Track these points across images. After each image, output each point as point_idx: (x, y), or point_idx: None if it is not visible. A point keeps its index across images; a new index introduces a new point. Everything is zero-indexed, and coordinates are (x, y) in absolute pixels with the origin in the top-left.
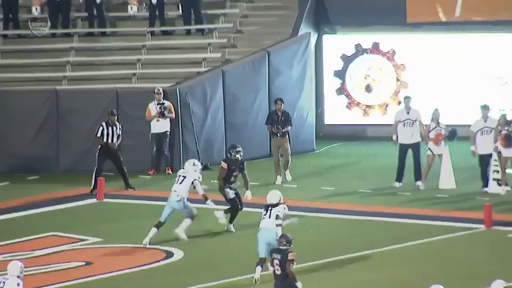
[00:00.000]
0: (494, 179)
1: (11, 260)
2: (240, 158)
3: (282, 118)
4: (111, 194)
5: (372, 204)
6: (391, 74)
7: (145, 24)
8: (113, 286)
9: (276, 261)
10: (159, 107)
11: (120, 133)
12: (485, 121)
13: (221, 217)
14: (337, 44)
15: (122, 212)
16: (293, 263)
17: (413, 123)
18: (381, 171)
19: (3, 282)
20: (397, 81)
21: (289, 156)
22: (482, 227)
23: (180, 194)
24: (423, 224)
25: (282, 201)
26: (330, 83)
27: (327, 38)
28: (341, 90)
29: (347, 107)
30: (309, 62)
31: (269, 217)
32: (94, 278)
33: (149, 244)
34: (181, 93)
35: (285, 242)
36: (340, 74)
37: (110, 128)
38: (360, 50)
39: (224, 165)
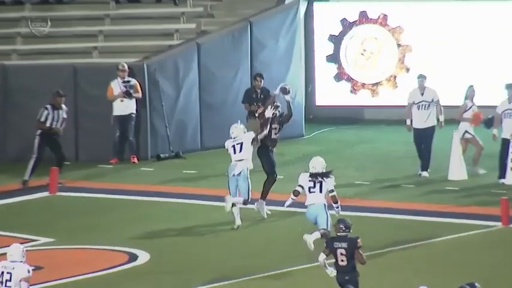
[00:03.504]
0: None
1: None
2: (277, 114)
3: (262, 96)
4: (66, 187)
5: (370, 198)
6: (389, 41)
7: None
8: None
9: (341, 251)
10: (124, 86)
11: (65, 116)
12: (510, 102)
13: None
14: (330, 12)
15: (78, 208)
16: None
17: (429, 105)
18: (380, 160)
19: (9, 273)
20: (399, 47)
21: None
22: (498, 224)
23: (247, 160)
24: (430, 222)
25: (325, 169)
26: (325, 67)
27: (318, 6)
28: (340, 76)
29: (352, 91)
30: (297, 34)
31: (320, 191)
32: (45, 285)
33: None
34: (149, 69)
35: (344, 228)
36: (334, 58)
37: (55, 112)
38: (347, 25)
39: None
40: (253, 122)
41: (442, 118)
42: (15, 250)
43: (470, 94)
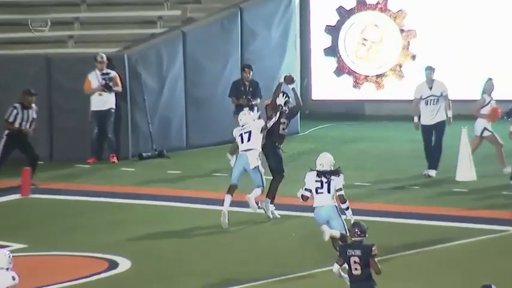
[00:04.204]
0: None
1: None
2: (286, 110)
3: (250, 89)
4: (39, 189)
5: (370, 200)
6: (391, 27)
7: None
8: None
9: (355, 259)
10: (103, 78)
11: (35, 116)
12: None
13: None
14: (326, 0)
15: (52, 211)
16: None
17: (437, 99)
18: (382, 159)
19: None
20: (402, 32)
21: None
22: (510, 229)
23: (256, 149)
24: (435, 226)
25: (333, 167)
26: (323, 61)
27: None
28: (340, 69)
29: (355, 86)
30: (292, 22)
31: (328, 191)
32: None
33: (227, 223)
34: (130, 60)
35: (359, 233)
36: (332, 51)
37: (25, 112)
38: (344, 14)
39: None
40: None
41: (450, 114)
42: (1, 257)
43: (488, 88)
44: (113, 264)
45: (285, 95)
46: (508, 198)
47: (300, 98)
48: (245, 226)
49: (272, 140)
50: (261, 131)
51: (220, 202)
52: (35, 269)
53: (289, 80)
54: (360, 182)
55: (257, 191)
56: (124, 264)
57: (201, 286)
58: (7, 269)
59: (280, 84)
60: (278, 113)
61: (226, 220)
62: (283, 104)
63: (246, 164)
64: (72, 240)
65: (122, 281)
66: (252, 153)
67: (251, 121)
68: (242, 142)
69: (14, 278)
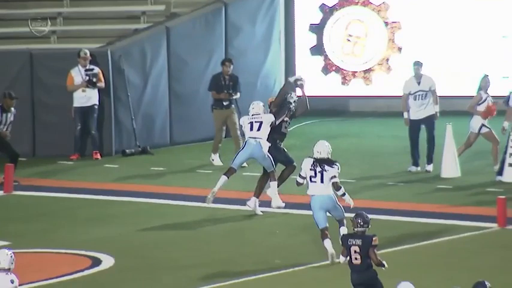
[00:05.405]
0: (510, 165)
1: None
2: (291, 106)
3: (230, 83)
4: (22, 185)
5: (355, 197)
6: (376, 20)
7: None
8: None
9: (355, 248)
10: (86, 74)
11: (13, 119)
12: None
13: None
14: None
15: (35, 208)
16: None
17: (426, 94)
18: (367, 156)
19: None
20: (387, 25)
21: (239, 132)
22: (494, 226)
23: (263, 140)
24: (420, 223)
25: (331, 156)
26: (309, 61)
27: None
28: (327, 68)
29: (343, 83)
30: (277, 18)
31: (321, 181)
32: None
33: (212, 201)
34: (113, 56)
35: (361, 223)
36: (318, 50)
37: (4, 115)
38: (327, 11)
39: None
40: (218, 113)
41: (437, 109)
42: (3, 257)
43: (484, 85)
44: (96, 261)
45: (295, 95)
46: (492, 195)
47: (308, 102)
48: (229, 223)
49: (273, 137)
50: (270, 125)
51: (203, 199)
52: (18, 267)
53: (301, 86)
54: (345, 179)
55: (274, 184)
56: (107, 261)
57: (185, 283)
58: (8, 269)
59: (288, 83)
60: (287, 111)
61: (212, 198)
62: (292, 103)
63: (255, 151)
64: (55, 237)
65: (105, 278)
66: (263, 141)
67: (262, 112)
68: (251, 130)
69: (12, 281)
